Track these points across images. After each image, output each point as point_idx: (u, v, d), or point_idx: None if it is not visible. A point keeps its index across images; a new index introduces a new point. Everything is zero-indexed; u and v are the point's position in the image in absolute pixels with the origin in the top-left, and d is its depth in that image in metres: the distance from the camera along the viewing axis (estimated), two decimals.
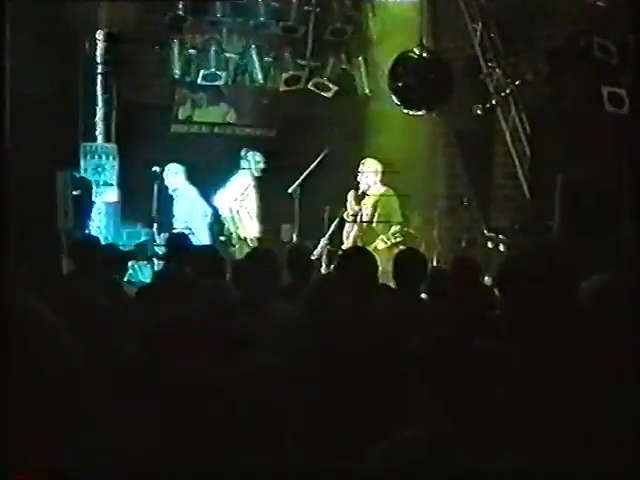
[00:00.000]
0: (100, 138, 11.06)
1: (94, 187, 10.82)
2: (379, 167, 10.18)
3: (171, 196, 11.00)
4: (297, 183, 10.16)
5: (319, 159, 10.23)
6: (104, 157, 11.03)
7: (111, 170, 11.02)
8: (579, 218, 8.84)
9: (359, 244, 9.72)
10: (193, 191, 11.07)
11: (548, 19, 10.02)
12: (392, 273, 6.31)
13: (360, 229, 10.11)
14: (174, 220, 10.94)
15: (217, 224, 11.12)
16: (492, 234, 9.84)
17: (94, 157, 11.00)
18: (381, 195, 10.10)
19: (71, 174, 10.42)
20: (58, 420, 3.28)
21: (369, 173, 10.11)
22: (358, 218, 10.11)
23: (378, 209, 10.05)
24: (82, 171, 10.84)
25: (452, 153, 11.54)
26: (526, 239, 9.49)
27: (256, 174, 11.10)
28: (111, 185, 11.04)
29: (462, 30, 10.89)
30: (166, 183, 10.92)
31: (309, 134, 10.98)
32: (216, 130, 11.99)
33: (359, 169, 10.17)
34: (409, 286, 6.13)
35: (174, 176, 10.96)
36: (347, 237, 10.17)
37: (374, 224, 10.00)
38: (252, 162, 11.08)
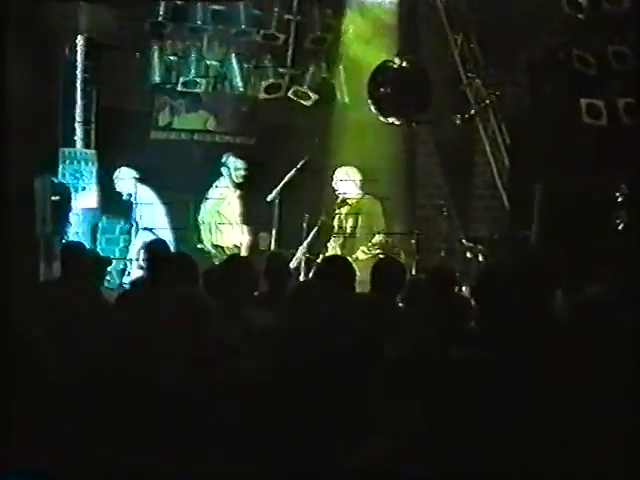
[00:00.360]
0: (79, 144, 11.02)
1: (73, 193, 10.77)
2: (355, 174, 10.16)
3: (130, 201, 10.95)
4: (276, 191, 10.12)
5: (298, 167, 10.21)
6: (83, 163, 10.98)
7: (90, 176, 10.97)
8: (558, 228, 8.88)
9: (339, 253, 9.70)
10: (151, 196, 11.03)
11: (528, 31, 10.06)
12: (370, 281, 6.32)
13: (340, 237, 10.09)
14: (135, 226, 10.88)
15: (194, 231, 11.10)
16: (471, 244, 9.85)
17: (73, 163, 10.95)
18: (360, 201, 10.10)
19: (50, 180, 10.38)
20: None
21: (344, 181, 10.10)
22: (339, 227, 10.10)
23: (360, 218, 10.05)
24: (61, 177, 10.79)
25: (431, 163, 11.55)
26: (505, 249, 9.50)
27: (236, 180, 11.10)
28: (90, 191, 10.99)
29: (442, 40, 10.92)
30: (117, 189, 10.89)
31: (288, 142, 10.97)
32: (195, 137, 11.93)
33: (334, 177, 10.16)
34: (387, 294, 6.13)
35: (123, 182, 10.89)
36: (327, 245, 10.15)
37: (357, 233, 10.01)
38: (232, 168, 11.08)
